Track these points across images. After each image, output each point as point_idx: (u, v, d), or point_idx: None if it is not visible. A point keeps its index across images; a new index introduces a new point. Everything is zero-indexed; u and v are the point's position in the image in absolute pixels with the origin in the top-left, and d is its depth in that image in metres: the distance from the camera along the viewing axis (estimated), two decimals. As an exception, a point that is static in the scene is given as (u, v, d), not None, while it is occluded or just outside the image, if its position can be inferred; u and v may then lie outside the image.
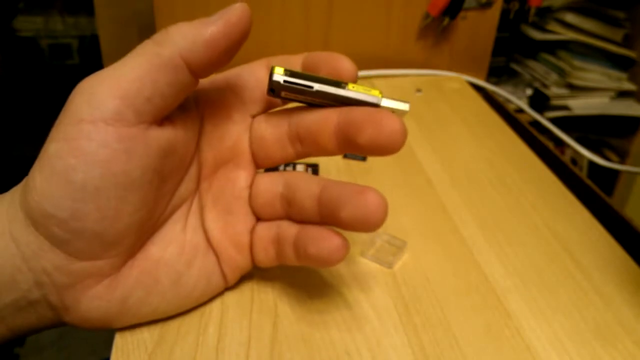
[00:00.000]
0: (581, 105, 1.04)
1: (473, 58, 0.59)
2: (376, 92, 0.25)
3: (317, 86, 0.24)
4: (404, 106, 0.25)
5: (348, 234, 0.33)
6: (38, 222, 0.22)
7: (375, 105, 0.25)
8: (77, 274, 0.23)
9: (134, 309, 0.25)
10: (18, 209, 0.23)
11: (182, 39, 0.22)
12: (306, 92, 0.24)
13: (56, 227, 0.22)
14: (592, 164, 0.57)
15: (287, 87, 0.24)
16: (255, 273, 0.30)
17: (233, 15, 0.22)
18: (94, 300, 0.23)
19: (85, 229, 0.22)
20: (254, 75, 0.26)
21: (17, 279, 0.22)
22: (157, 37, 0.23)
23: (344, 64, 0.25)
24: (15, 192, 0.24)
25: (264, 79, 0.26)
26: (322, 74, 0.25)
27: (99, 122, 0.21)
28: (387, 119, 0.23)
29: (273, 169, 0.39)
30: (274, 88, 0.24)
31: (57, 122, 0.22)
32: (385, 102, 0.25)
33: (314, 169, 0.39)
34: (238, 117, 0.26)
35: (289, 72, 0.24)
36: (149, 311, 0.25)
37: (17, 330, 0.24)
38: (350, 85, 0.25)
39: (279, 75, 0.24)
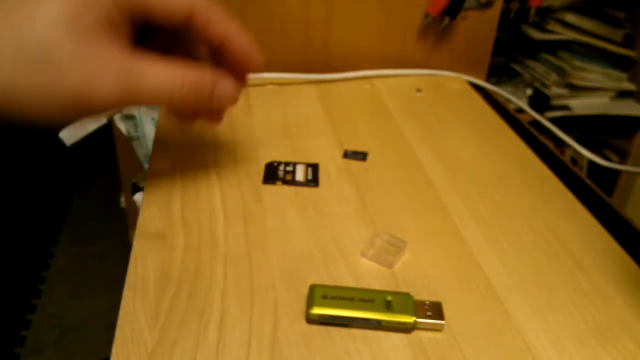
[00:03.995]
0: (581, 105, 1.04)
1: (473, 58, 0.59)
2: (409, 318, 0.27)
3: (353, 324, 0.27)
4: (439, 322, 0.27)
5: (349, 235, 0.33)
6: None
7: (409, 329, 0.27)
8: None
9: None
10: None
11: None
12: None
13: None
14: (592, 164, 0.57)
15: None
16: (255, 273, 0.30)
17: None
18: None
19: None
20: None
21: None
22: None
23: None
24: None
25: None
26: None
27: None
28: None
29: (274, 169, 0.39)
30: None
31: None
32: (421, 323, 0.27)
33: (314, 168, 0.39)
34: None
35: (326, 316, 0.27)
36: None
37: None
38: (384, 322, 0.27)
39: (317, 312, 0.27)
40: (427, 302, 0.28)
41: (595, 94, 1.05)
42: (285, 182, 0.38)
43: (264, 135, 0.43)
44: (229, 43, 0.32)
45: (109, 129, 0.59)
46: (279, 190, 0.37)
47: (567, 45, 1.03)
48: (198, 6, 0.30)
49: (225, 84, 0.32)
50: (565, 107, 1.04)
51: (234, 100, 0.33)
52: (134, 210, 0.49)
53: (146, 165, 0.56)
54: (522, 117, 0.51)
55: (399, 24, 0.56)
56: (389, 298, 0.27)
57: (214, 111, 0.35)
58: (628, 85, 1.05)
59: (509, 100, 0.61)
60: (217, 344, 0.26)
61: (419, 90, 0.53)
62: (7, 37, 0.25)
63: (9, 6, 0.26)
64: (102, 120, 0.44)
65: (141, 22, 0.29)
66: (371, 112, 0.49)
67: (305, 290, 0.29)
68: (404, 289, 0.29)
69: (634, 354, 0.26)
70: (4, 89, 0.25)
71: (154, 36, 0.32)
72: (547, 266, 0.32)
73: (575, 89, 1.03)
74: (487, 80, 0.59)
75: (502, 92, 0.58)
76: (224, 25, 0.31)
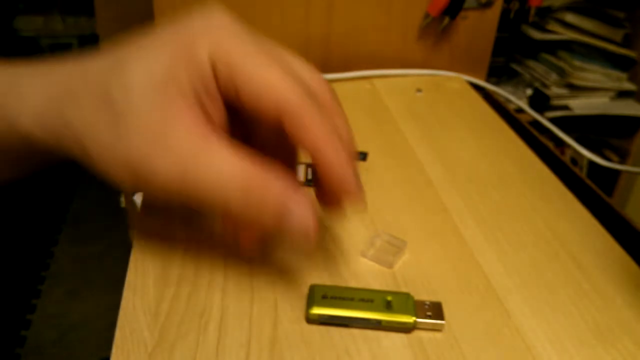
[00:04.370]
0: (581, 105, 1.04)
1: (473, 58, 0.59)
2: (409, 318, 0.27)
3: (353, 324, 0.27)
4: (439, 322, 0.27)
5: (349, 235, 0.33)
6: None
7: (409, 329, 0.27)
8: None
9: None
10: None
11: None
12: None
13: None
14: (592, 164, 0.57)
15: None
16: (255, 273, 0.30)
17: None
18: None
19: None
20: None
21: None
22: None
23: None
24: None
25: None
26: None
27: None
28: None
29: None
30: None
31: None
32: (421, 323, 0.27)
33: (314, 168, 0.39)
34: None
35: (326, 316, 0.27)
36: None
37: None
38: (384, 322, 0.27)
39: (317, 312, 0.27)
40: (427, 302, 0.28)
41: (595, 94, 1.05)
42: (285, 182, 0.37)
43: (264, 135, 0.43)
44: (317, 157, 0.25)
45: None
46: (279, 190, 0.37)
47: (567, 45, 1.03)
48: (287, 106, 0.24)
49: (298, 207, 0.24)
50: (565, 107, 1.04)
51: (301, 231, 0.24)
52: (134, 210, 0.49)
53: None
54: (522, 117, 0.51)
55: (399, 24, 0.56)
56: (389, 298, 0.27)
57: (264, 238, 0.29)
58: (628, 85, 1.05)
59: (509, 100, 0.61)
60: (217, 344, 0.26)
61: (419, 90, 0.53)
62: (102, 80, 0.24)
63: (119, 48, 0.25)
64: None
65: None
66: (371, 112, 0.49)
67: (305, 290, 0.29)
68: (404, 289, 0.29)
69: (634, 354, 0.26)
70: (80, 136, 0.24)
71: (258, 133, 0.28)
72: (547, 266, 0.32)
73: (575, 89, 1.03)
74: (487, 80, 0.59)
75: (502, 92, 0.58)
76: (314, 134, 0.24)
